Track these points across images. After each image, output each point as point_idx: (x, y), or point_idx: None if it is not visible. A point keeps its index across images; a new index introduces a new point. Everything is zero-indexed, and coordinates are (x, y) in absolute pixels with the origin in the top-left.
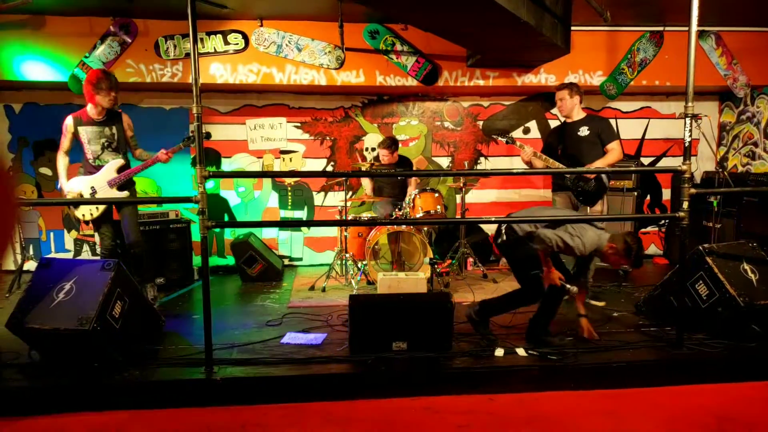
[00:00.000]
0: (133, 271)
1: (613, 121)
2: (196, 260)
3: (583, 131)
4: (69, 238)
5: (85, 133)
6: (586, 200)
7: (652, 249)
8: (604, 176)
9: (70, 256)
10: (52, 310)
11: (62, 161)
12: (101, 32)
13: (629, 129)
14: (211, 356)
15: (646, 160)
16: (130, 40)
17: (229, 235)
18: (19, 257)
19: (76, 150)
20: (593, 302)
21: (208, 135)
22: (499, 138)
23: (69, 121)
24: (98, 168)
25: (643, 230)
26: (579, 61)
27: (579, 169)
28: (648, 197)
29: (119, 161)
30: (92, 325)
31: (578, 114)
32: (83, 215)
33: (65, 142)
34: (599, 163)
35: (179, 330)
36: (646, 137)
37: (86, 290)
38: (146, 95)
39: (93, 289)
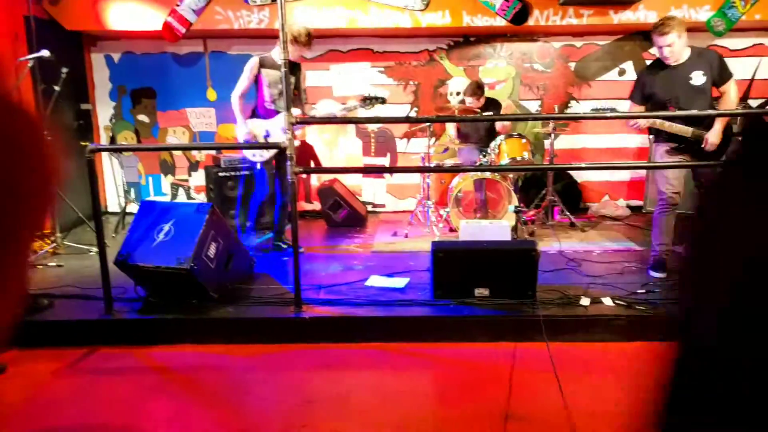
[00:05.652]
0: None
1: None
2: None
3: (697, 78)
4: (166, 182)
5: (267, 76)
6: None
7: None
8: (729, 125)
9: (167, 199)
10: (154, 249)
11: (239, 102)
12: None
13: (738, 69)
14: (300, 296)
15: (755, 103)
16: None
17: (316, 181)
18: (122, 200)
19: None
20: None
21: (383, 100)
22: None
23: (254, 62)
24: (275, 113)
25: None
26: None
27: (690, 112)
28: None
29: (298, 111)
30: (190, 264)
31: (685, 53)
32: (253, 155)
33: (245, 84)
34: (720, 125)
35: (269, 271)
36: (756, 77)
37: (184, 231)
38: (234, 42)
39: (190, 230)
